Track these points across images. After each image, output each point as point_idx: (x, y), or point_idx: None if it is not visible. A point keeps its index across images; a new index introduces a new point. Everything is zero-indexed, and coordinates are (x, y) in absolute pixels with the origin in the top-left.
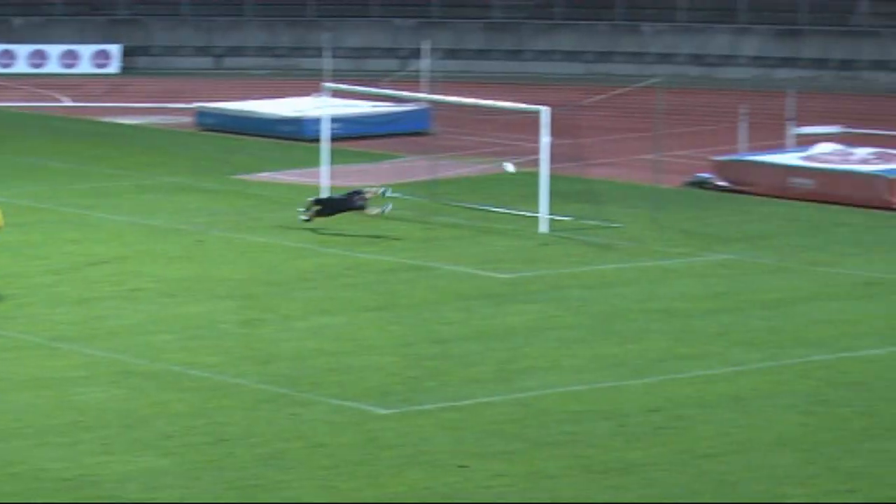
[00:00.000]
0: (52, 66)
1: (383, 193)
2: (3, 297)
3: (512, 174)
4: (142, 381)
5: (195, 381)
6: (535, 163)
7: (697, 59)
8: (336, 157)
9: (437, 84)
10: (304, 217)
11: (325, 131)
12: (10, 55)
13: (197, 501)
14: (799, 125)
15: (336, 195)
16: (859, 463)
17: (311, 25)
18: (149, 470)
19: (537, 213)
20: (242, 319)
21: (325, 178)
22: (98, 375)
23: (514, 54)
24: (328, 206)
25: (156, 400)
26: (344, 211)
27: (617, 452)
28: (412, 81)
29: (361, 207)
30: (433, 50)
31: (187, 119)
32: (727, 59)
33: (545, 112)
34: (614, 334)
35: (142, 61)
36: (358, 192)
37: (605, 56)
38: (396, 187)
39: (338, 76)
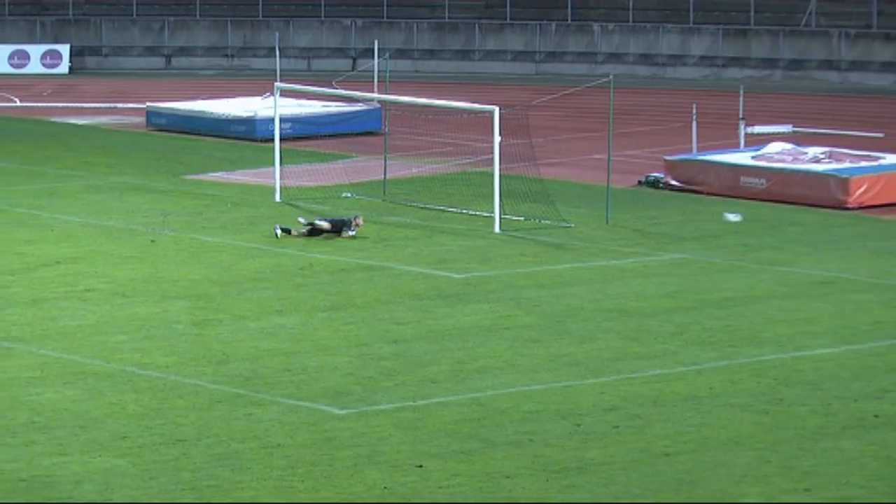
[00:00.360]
0: (2, 67)
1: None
2: None
3: (736, 222)
4: (96, 382)
5: (150, 381)
6: (487, 163)
7: (647, 59)
8: (287, 156)
9: (388, 84)
10: (282, 229)
11: (276, 131)
12: None
13: (153, 502)
14: (749, 125)
15: (328, 221)
16: (815, 462)
17: (260, 25)
18: (105, 470)
19: (490, 212)
20: (196, 320)
21: (276, 179)
22: (52, 376)
23: (465, 54)
24: (317, 231)
25: (110, 400)
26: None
27: (573, 452)
28: (363, 81)
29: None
30: (383, 49)
31: (138, 119)
32: (677, 59)
33: (496, 112)
34: (569, 334)
35: (91, 61)
36: (346, 223)
37: (554, 56)
38: (348, 187)
39: (288, 76)
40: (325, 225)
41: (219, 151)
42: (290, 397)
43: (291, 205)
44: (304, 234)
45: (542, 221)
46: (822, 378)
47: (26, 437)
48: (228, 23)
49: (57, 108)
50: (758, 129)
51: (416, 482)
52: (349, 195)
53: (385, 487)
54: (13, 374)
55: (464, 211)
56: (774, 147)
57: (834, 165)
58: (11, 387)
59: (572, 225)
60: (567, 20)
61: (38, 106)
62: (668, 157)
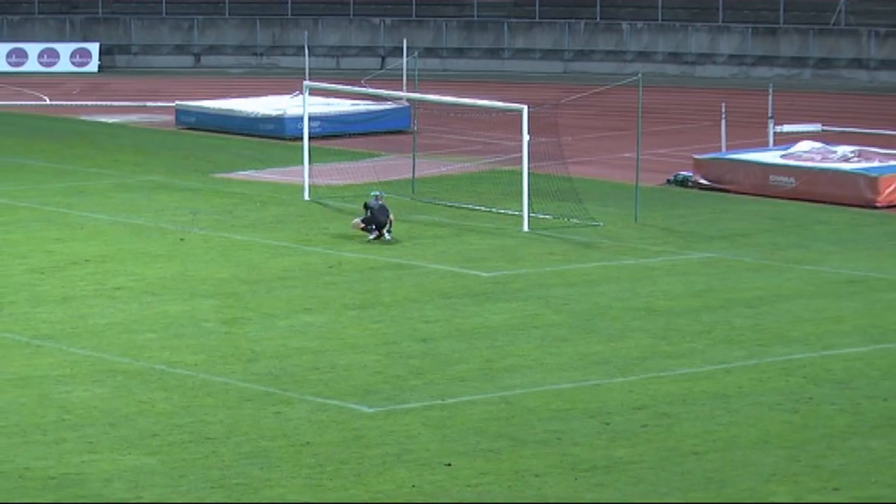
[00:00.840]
0: (31, 65)
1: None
2: None
3: None
4: (125, 380)
5: (179, 379)
6: (515, 161)
7: (676, 58)
8: (316, 155)
9: (417, 82)
10: (356, 224)
11: (305, 130)
12: None
13: (182, 501)
14: (778, 124)
15: (376, 208)
16: (844, 461)
17: (289, 24)
18: (134, 468)
19: (518, 211)
20: (225, 318)
21: (305, 177)
22: (82, 374)
23: (493, 52)
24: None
25: (140, 398)
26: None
27: (602, 450)
28: (391, 80)
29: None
30: (411, 48)
31: (167, 117)
32: (705, 58)
33: (524, 111)
34: (598, 332)
35: (120, 60)
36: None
37: (583, 54)
38: (377, 185)
39: (317, 75)
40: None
41: (247, 150)
42: (319, 395)
43: (320, 203)
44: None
45: (571, 220)
46: (851, 377)
47: (56, 435)
48: (257, 21)
49: (86, 106)
50: (787, 127)
51: (444, 480)
52: (378, 194)
53: (413, 486)
54: (43, 372)
55: (492, 209)
56: (803, 146)
57: (863, 164)
58: (41, 385)
59: (601, 224)
60: (596, 19)
61: (67, 104)
62: (696, 156)
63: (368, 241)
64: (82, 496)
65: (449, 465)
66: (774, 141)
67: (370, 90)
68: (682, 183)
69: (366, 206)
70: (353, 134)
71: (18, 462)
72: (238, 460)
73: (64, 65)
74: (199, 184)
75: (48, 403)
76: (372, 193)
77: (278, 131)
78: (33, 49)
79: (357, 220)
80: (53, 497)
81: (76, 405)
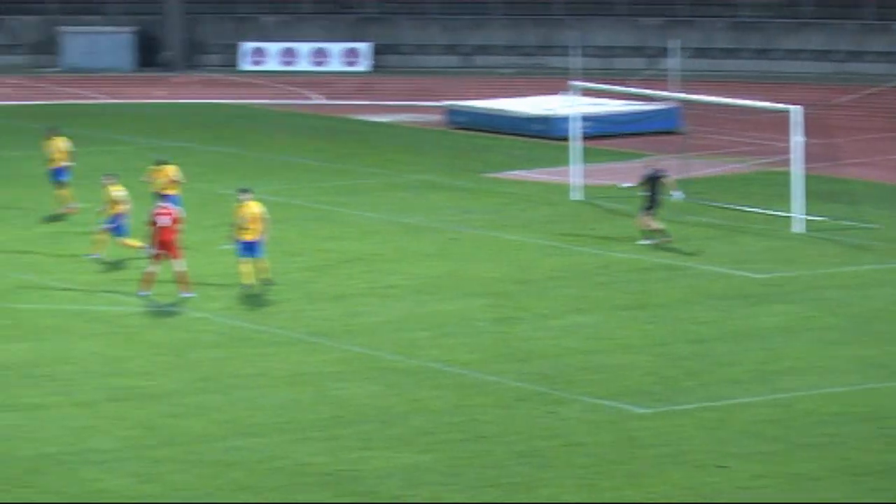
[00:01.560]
0: (303, 64)
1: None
2: (262, 294)
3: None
4: (398, 378)
5: (451, 377)
6: (787, 162)
7: None
8: (585, 155)
9: (686, 83)
10: (648, 242)
11: (575, 130)
12: (261, 53)
13: (455, 499)
14: None
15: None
16: None
17: (557, 24)
18: (408, 466)
19: (790, 212)
20: (497, 317)
21: (574, 177)
22: (355, 371)
23: (762, 53)
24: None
25: (413, 396)
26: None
27: (878, 455)
28: (660, 80)
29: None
30: (680, 49)
31: (436, 117)
32: None
33: (797, 111)
34: (873, 335)
35: (391, 59)
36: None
37: (855, 55)
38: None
39: (584, 75)
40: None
41: (517, 150)
42: (592, 395)
43: (590, 203)
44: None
45: (844, 222)
46: None
47: (331, 432)
48: (526, 22)
49: (358, 105)
50: None
51: (719, 482)
52: (678, 195)
53: (688, 487)
54: (318, 369)
55: (764, 211)
56: None
57: None
58: (316, 381)
59: (877, 226)
60: (869, 19)
61: (339, 104)
62: None
63: (642, 243)
64: (358, 493)
65: (724, 467)
66: None
67: (638, 90)
68: None
69: (646, 180)
70: (623, 134)
71: (295, 458)
72: (511, 459)
73: (335, 64)
74: (469, 183)
75: (323, 400)
76: (673, 194)
77: (547, 131)
78: (304, 48)
79: (645, 217)
80: (330, 493)
81: (350, 402)
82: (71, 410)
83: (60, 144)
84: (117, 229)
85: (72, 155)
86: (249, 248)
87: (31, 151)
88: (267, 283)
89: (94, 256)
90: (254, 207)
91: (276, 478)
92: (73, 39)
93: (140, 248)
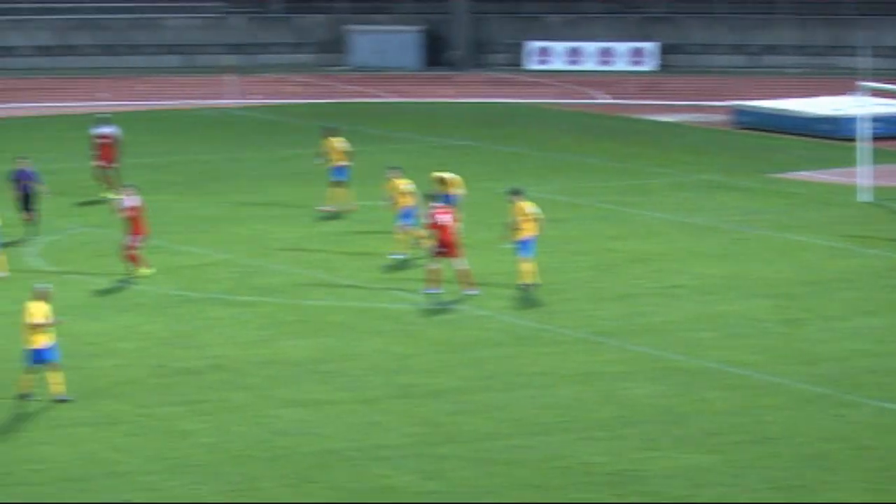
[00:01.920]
0: (588, 64)
1: None
2: (545, 293)
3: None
4: (682, 378)
5: (736, 378)
6: None
7: None
8: (874, 156)
9: None
10: None
11: (864, 130)
12: (547, 52)
13: (738, 501)
14: None
15: None
16: None
17: (847, 24)
18: (693, 467)
19: None
20: (783, 319)
21: (863, 178)
22: (639, 371)
23: None
24: None
25: (697, 397)
26: None
27: None
28: None
29: None
30: None
31: (722, 117)
32: None
33: None
34: None
35: (678, 59)
36: None
37: None
38: None
39: (877, 75)
40: None
41: (803, 150)
42: (880, 399)
43: (879, 205)
44: None
45: None
46: None
47: (616, 432)
48: (815, 21)
49: (644, 105)
50: None
51: None
52: None
53: None
54: (602, 369)
55: None
56: None
57: None
58: (601, 381)
59: None
60: None
61: (624, 103)
62: None
63: None
64: (642, 493)
65: None
66: None
67: None
68: None
69: None
70: None
71: (579, 457)
72: (797, 462)
73: (621, 63)
74: (755, 183)
75: (608, 400)
76: None
77: (835, 132)
78: (591, 48)
79: None
80: (614, 493)
81: (635, 402)
82: (357, 407)
83: (337, 144)
84: (410, 220)
85: (349, 155)
86: (523, 247)
87: (313, 150)
88: (530, 286)
89: (399, 256)
90: (526, 207)
91: (561, 477)
92: (361, 38)
93: (423, 239)
